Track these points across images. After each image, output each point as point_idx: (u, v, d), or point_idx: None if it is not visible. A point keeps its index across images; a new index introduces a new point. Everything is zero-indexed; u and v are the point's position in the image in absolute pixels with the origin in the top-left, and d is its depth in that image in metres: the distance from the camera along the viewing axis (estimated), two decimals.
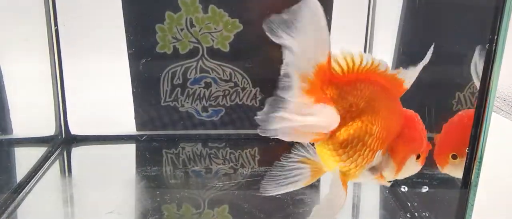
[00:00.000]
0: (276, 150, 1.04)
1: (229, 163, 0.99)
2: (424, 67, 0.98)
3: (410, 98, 1.01)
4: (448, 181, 0.87)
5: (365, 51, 1.09)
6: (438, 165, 0.73)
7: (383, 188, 0.91)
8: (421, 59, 0.97)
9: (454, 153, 0.70)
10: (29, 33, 1.00)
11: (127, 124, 1.08)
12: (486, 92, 0.59)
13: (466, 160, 0.61)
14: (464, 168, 0.62)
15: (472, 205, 0.62)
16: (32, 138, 1.00)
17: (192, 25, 1.01)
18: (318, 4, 0.50)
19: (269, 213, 0.79)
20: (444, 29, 0.99)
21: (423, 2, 0.93)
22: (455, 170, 0.70)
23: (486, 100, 0.59)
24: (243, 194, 0.85)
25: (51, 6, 1.00)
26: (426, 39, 1.01)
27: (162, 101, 1.07)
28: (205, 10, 1.00)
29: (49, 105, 1.04)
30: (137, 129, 1.09)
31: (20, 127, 0.98)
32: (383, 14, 1.05)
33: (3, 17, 0.93)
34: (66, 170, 1.00)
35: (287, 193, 0.83)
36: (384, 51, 1.05)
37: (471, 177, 0.60)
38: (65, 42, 1.02)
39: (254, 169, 0.96)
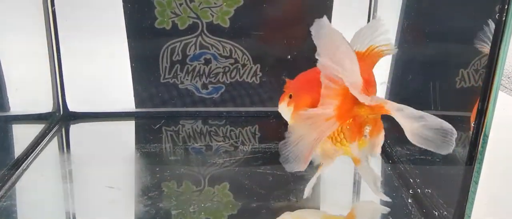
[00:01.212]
0: (277, 127, 1.03)
1: (236, 140, 0.98)
2: (428, 43, 0.97)
3: (414, 75, 1.00)
4: (451, 157, 0.86)
5: None
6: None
7: (384, 164, 0.90)
8: (426, 36, 0.96)
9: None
10: (25, 9, 0.98)
11: (126, 101, 1.06)
12: (495, 65, 0.58)
13: (472, 135, 0.60)
14: (470, 143, 0.60)
15: (476, 182, 0.61)
16: (29, 115, 0.99)
17: (191, 0, 0.99)
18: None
19: (270, 190, 0.78)
20: (449, 4, 0.97)
21: None
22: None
23: (494, 74, 0.58)
24: (243, 171, 0.85)
25: None
26: (431, 14, 0.99)
27: (161, 78, 1.06)
28: None
29: (47, 82, 1.02)
30: (136, 106, 1.08)
31: (17, 104, 0.97)
32: None
33: None
34: (65, 146, 0.99)
35: None
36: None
37: (476, 153, 0.59)
38: (62, 18, 1.00)
39: (255, 146, 0.95)
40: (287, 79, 0.75)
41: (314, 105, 0.67)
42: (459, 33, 0.97)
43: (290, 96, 0.72)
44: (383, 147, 0.94)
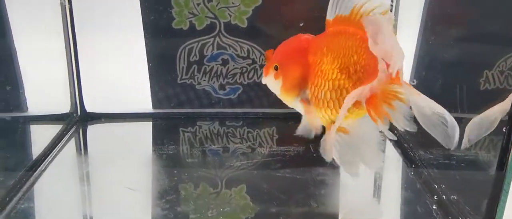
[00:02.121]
0: (295, 129, 1.01)
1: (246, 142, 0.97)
2: (450, 43, 0.94)
3: (436, 76, 0.98)
4: (479, 162, 0.83)
5: None
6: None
7: (406, 168, 0.87)
8: (449, 38, 0.94)
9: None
10: (42, 9, 0.98)
11: (143, 102, 1.06)
12: None
13: (503, 140, 0.57)
14: (501, 148, 0.58)
15: (507, 191, 0.58)
16: (47, 115, 0.99)
17: (209, 0, 0.97)
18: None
19: (290, 194, 0.76)
20: (473, 4, 0.94)
21: None
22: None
23: None
24: (261, 174, 0.83)
25: None
26: (455, 14, 0.96)
27: (179, 78, 1.05)
28: None
29: (64, 82, 1.02)
30: (154, 107, 1.07)
31: (35, 105, 0.97)
32: None
33: None
34: (82, 147, 0.98)
35: (308, 173, 0.82)
36: (410, 25, 1.00)
37: (508, 158, 0.56)
38: (79, 18, 1.00)
39: (272, 149, 0.94)
40: (267, 51, 0.73)
41: (304, 75, 0.67)
42: (483, 33, 0.94)
43: (276, 68, 0.70)
44: (405, 150, 0.92)
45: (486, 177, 0.81)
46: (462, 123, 0.82)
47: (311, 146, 0.90)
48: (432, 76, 0.99)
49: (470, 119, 0.93)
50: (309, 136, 0.73)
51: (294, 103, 0.71)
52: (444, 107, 0.96)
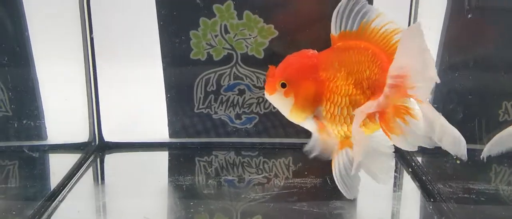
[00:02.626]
0: (311, 160, 1.00)
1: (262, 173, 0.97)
2: (468, 75, 0.93)
3: (454, 107, 0.97)
4: (501, 196, 0.81)
5: None
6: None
7: (425, 201, 0.86)
8: (467, 69, 0.93)
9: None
10: (64, 39, 1.00)
11: (160, 131, 1.07)
12: None
13: None
14: None
15: None
16: (66, 144, 1.00)
17: (226, 32, 0.99)
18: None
19: None
20: (493, 34, 0.94)
21: (473, 5, 0.88)
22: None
23: None
24: (277, 206, 0.82)
25: (86, 11, 1.00)
26: (473, 45, 0.95)
27: (196, 108, 1.06)
28: (240, 16, 0.98)
29: (84, 111, 1.04)
30: (170, 136, 1.08)
31: (54, 133, 0.99)
32: (425, 18, 1.00)
33: (39, 24, 0.94)
34: (99, 177, 0.99)
35: (325, 206, 0.81)
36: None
37: None
38: (99, 48, 1.02)
39: (289, 180, 0.93)
40: (271, 66, 0.71)
41: (318, 91, 0.66)
42: (502, 63, 0.94)
43: (283, 85, 0.68)
44: (423, 183, 0.91)
45: (508, 212, 0.79)
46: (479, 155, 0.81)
47: (328, 179, 0.89)
48: (449, 107, 0.98)
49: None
50: (318, 153, 0.72)
51: (305, 121, 0.70)
52: (465, 141, 0.96)
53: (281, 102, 0.69)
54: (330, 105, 0.66)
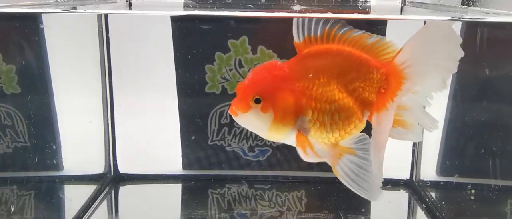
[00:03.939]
0: (324, 194, 1.00)
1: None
2: (482, 108, 0.93)
3: (468, 141, 0.96)
4: None
5: None
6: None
7: None
8: (479, 102, 0.93)
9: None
10: (82, 71, 1.03)
11: (174, 163, 1.07)
12: None
13: None
14: None
15: None
16: (82, 175, 1.01)
17: (241, 66, 1.01)
18: None
19: None
20: (506, 65, 0.94)
21: (485, 38, 0.89)
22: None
23: None
24: None
25: (105, 44, 1.02)
26: (486, 78, 0.96)
27: (209, 140, 1.07)
28: (254, 51, 1.00)
29: (100, 142, 1.05)
30: (184, 168, 1.08)
31: (70, 164, 1.00)
32: None
33: (58, 55, 0.97)
34: (113, 210, 1.00)
35: None
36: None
37: None
38: (117, 80, 1.04)
39: (302, 214, 0.93)
40: (238, 82, 0.68)
41: (297, 101, 0.61)
42: None
43: (257, 101, 0.61)
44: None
45: None
46: (499, 192, 0.80)
47: (341, 214, 0.89)
48: (462, 140, 0.98)
49: (507, 187, 0.90)
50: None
51: (286, 136, 0.64)
52: (478, 175, 0.95)
53: (258, 119, 0.62)
54: (318, 114, 0.63)
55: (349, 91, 0.63)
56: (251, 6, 0.91)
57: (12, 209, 0.89)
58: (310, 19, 0.64)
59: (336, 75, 0.63)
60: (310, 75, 0.63)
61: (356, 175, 0.65)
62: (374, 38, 0.65)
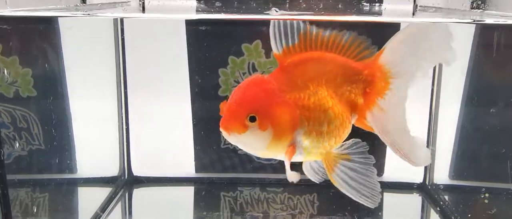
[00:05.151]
0: (337, 197, 1.00)
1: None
2: (496, 112, 0.93)
3: (483, 145, 0.96)
4: None
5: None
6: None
7: None
8: (494, 106, 0.93)
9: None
10: (98, 74, 1.04)
11: (187, 166, 1.08)
12: None
13: None
14: None
15: None
16: (96, 178, 1.02)
17: (254, 69, 1.01)
18: None
19: None
20: None
21: (499, 42, 0.89)
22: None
23: None
24: None
25: (120, 47, 1.03)
26: (499, 82, 0.95)
27: (222, 143, 1.07)
28: (268, 55, 1.00)
29: (114, 145, 1.06)
30: (196, 171, 1.09)
31: (85, 167, 1.01)
32: None
33: (74, 58, 0.98)
34: (127, 212, 1.01)
35: None
36: (454, 90, 1.00)
37: None
38: (132, 84, 1.05)
39: (314, 217, 0.93)
40: (222, 103, 0.63)
41: (293, 117, 0.59)
42: None
43: (252, 119, 0.58)
44: None
45: None
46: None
47: (355, 217, 0.89)
48: (477, 145, 0.98)
49: None
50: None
51: (283, 152, 0.62)
52: (491, 178, 0.94)
53: (256, 138, 0.59)
54: (314, 125, 0.61)
55: (339, 97, 0.63)
56: (276, 9, 0.91)
57: (35, 209, 0.90)
58: (286, 27, 0.62)
59: (324, 82, 0.62)
60: (297, 87, 0.61)
61: (354, 180, 0.64)
62: (346, 35, 0.64)
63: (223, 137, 0.59)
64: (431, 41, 0.65)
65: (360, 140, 0.64)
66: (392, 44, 0.65)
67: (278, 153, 0.63)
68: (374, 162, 0.65)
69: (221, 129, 0.61)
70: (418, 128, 0.88)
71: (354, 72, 0.65)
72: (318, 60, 0.63)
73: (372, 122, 0.66)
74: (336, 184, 0.65)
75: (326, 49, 0.64)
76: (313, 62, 0.63)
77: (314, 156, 0.64)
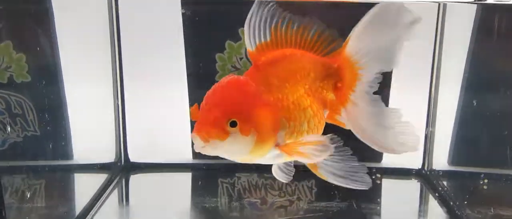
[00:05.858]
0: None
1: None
2: (496, 98, 0.92)
3: (482, 131, 0.95)
4: None
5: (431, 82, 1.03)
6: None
7: None
8: (494, 93, 0.92)
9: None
10: (93, 60, 1.03)
11: (184, 152, 1.07)
12: None
13: None
14: None
15: None
16: (92, 164, 1.02)
17: None
18: None
19: None
20: None
21: (500, 26, 0.87)
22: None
23: None
24: None
25: (115, 32, 1.02)
26: (500, 66, 0.94)
27: None
28: None
29: (111, 131, 1.06)
30: (194, 158, 1.08)
31: (81, 153, 1.00)
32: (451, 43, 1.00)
33: (69, 44, 0.96)
34: (124, 199, 1.00)
35: None
36: (453, 75, 0.99)
37: None
38: (127, 69, 1.04)
39: (312, 203, 0.93)
40: (193, 108, 0.59)
41: (275, 118, 0.58)
42: None
43: (233, 124, 0.55)
44: (451, 208, 0.89)
45: None
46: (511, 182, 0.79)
47: (353, 202, 0.89)
48: (475, 131, 0.97)
49: None
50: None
51: (268, 155, 0.61)
52: (490, 164, 0.94)
53: (239, 144, 0.55)
54: (295, 125, 0.60)
55: (313, 94, 0.63)
56: None
57: (28, 195, 0.89)
58: (259, 23, 0.61)
59: (299, 80, 0.62)
60: (275, 86, 0.60)
61: (340, 170, 0.65)
62: (314, 28, 0.64)
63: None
64: (391, 21, 0.63)
65: (336, 135, 0.63)
66: (356, 33, 0.63)
67: (258, 158, 0.61)
68: (351, 152, 0.65)
69: (194, 136, 0.56)
70: (415, 114, 0.88)
71: (324, 67, 0.65)
72: (291, 57, 0.62)
73: (347, 119, 0.66)
74: (324, 178, 0.67)
75: (296, 45, 0.63)
76: (286, 60, 0.62)
77: (296, 155, 0.62)
